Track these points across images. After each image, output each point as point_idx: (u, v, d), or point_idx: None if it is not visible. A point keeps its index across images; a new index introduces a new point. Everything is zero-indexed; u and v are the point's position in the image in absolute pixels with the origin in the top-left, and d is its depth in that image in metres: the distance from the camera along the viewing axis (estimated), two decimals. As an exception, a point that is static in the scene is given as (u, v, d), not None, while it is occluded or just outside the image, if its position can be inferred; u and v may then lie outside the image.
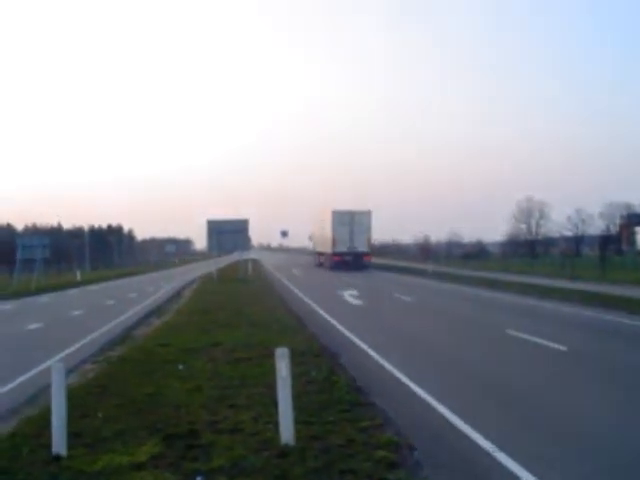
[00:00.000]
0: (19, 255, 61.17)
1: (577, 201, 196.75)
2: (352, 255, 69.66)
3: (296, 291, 41.17)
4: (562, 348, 16.64)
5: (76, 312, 32.22)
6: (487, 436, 8.92)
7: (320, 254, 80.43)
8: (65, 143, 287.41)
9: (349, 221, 69.99)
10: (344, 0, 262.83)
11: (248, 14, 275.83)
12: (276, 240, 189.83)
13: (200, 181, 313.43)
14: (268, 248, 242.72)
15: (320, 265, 79.43)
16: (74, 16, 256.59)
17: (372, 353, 16.57)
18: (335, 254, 70.21)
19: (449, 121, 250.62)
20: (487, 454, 8.30)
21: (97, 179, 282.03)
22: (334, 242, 70.24)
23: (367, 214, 70.55)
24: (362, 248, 70.03)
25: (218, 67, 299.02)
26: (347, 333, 20.59)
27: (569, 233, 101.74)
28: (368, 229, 70.08)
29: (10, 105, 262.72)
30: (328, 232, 71.44)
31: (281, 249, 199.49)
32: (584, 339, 19.08)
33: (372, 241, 74.55)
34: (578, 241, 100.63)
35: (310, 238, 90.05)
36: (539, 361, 15.37)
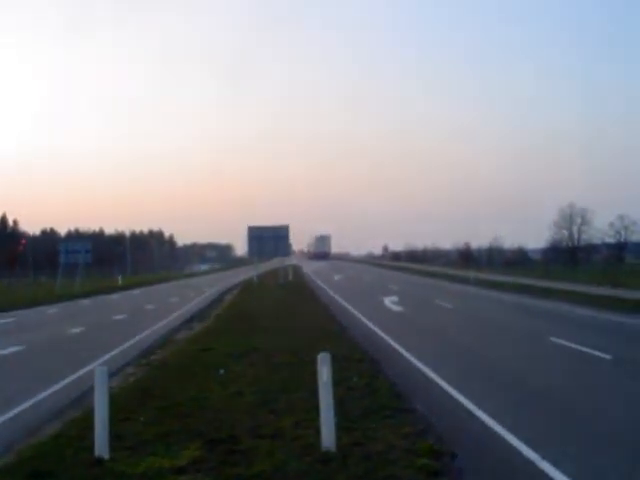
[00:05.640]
0: (62, 260, 61.92)
1: (620, 207, 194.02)
2: (322, 253, 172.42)
3: (340, 300, 41.03)
4: (606, 357, 16.40)
5: (118, 316, 32.51)
6: (531, 445, 8.78)
7: (310, 252, 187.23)
8: (107, 148, 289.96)
9: (321, 239, 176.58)
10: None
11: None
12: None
13: (242, 186, 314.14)
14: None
15: (309, 258, 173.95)
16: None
17: (411, 357, 16.50)
18: (315, 253, 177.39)
19: (489, 127, 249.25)
20: (529, 462, 8.18)
21: (140, 184, 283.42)
22: (315, 247, 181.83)
23: (329, 237, 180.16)
24: (327, 250, 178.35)
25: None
26: (389, 339, 20.54)
27: (612, 240, 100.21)
28: (329, 242, 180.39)
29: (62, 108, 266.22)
30: (312, 243, 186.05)
31: None
32: (627, 347, 18.80)
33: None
34: (621, 248, 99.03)
35: (308, 246, 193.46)
36: (584, 370, 15.15)
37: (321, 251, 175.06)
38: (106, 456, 8.34)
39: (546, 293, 41.09)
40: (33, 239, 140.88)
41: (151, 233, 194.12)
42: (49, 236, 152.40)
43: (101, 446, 8.40)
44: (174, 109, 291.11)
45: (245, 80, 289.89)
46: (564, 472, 7.67)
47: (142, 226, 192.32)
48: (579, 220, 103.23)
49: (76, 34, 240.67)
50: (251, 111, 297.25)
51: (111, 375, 12.79)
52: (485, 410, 10.78)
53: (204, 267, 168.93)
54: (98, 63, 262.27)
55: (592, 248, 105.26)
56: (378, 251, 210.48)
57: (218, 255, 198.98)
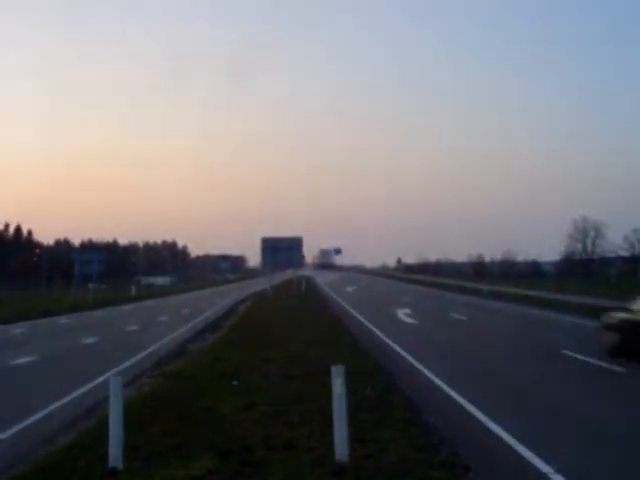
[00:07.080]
0: (76, 270, 62.10)
1: (635, 221, 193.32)
2: (327, 264, 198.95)
3: (353, 312, 40.88)
4: (620, 370, 16.33)
5: (132, 327, 32.58)
6: (545, 459, 8.74)
7: (317, 263, 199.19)
8: (121, 158, 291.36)
9: (324, 251, 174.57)
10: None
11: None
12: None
13: (255, 198, 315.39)
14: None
15: (315, 268, 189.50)
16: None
17: (424, 369, 16.46)
18: (319, 264, 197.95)
19: (503, 142, 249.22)
20: (544, 475, 8.15)
21: (155, 194, 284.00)
22: (320, 259, 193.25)
23: (332, 250, 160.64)
24: (331, 261, 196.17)
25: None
26: (401, 351, 20.51)
27: (626, 253, 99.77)
28: (332, 255, 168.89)
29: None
30: (317, 255, 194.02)
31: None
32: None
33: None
34: (635, 261, 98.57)
35: (315, 258, 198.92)
36: (598, 383, 15.11)
37: (325, 262, 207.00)
38: (120, 467, 8.34)
39: (559, 306, 40.92)
40: (47, 249, 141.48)
41: (164, 244, 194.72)
42: (63, 246, 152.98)
43: (115, 457, 8.40)
44: (186, 118, 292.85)
45: (257, 89, 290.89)
46: None
47: (156, 237, 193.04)
48: (593, 233, 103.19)
49: (77, 34, 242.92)
50: (265, 121, 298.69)
51: (125, 385, 12.84)
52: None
53: (162, 280, 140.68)
54: (109, 68, 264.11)
55: (606, 261, 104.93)
56: (392, 263, 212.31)
57: (231, 266, 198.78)
